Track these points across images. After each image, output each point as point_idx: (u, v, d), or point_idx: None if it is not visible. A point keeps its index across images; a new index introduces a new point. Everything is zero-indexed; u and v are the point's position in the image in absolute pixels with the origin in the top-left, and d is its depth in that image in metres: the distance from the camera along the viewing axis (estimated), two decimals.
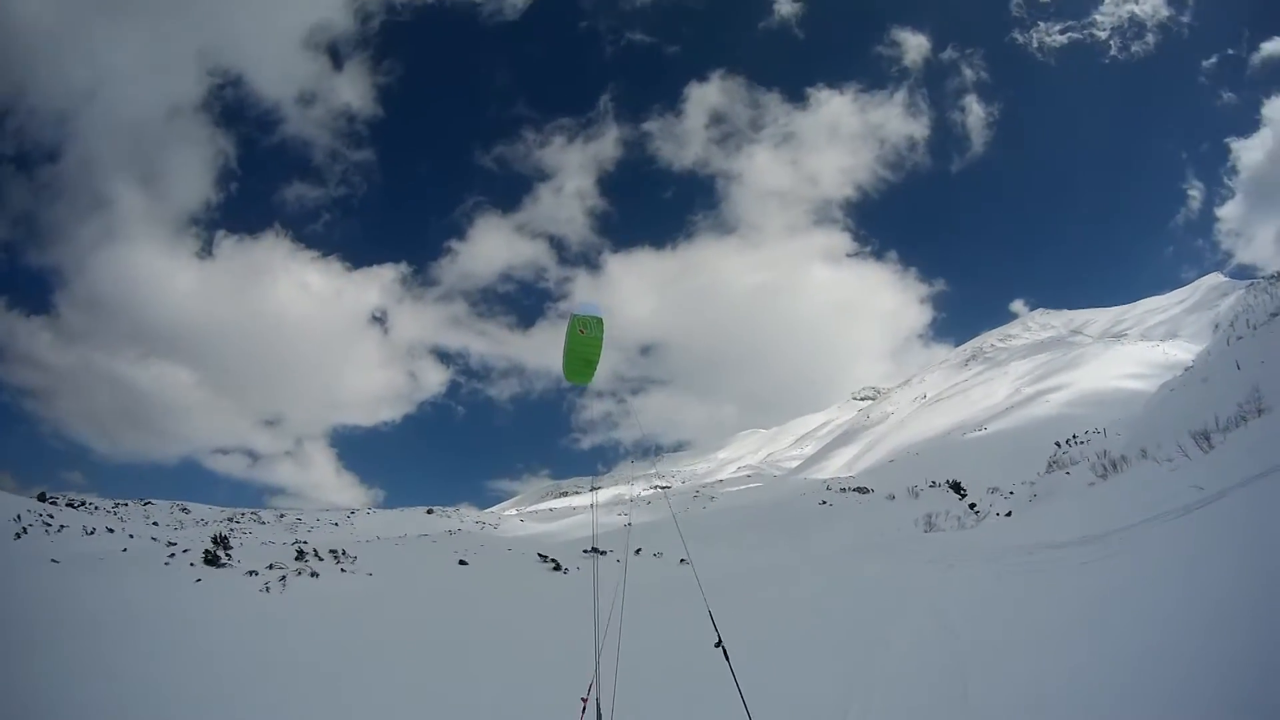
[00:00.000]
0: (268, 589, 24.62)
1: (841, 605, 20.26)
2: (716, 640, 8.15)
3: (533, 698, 13.94)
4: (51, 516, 33.38)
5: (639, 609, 14.49)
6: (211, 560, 28.09)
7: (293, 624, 20.71)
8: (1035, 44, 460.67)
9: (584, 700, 8.00)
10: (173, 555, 28.59)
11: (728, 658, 7.81)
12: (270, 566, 28.72)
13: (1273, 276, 56.04)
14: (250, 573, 27.36)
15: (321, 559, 32.01)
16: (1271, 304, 43.92)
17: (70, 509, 37.33)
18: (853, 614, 18.40)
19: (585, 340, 10.78)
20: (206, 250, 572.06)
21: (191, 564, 27.68)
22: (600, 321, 10.80)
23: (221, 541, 32.02)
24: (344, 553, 34.34)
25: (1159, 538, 14.31)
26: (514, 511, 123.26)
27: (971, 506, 50.95)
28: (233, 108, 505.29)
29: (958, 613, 15.00)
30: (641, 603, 16.72)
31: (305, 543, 39.88)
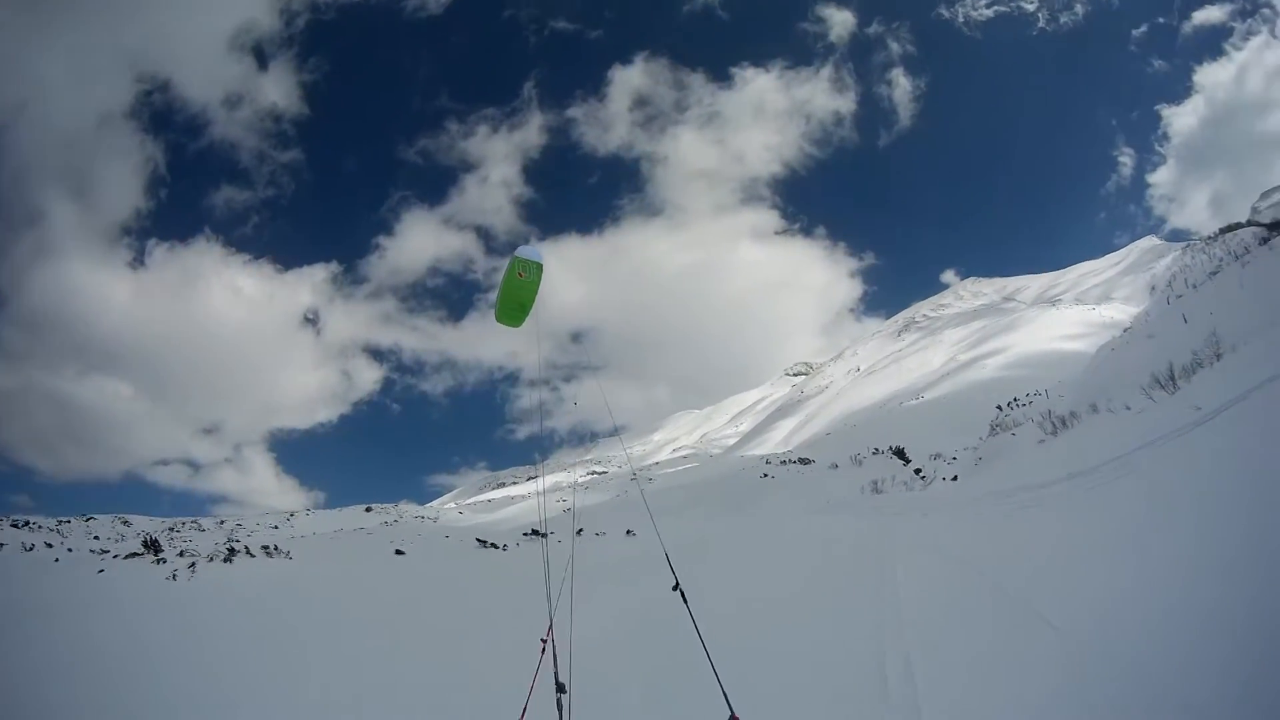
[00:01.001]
0: (174, 576, 23.82)
1: (827, 555, 20.08)
2: (674, 584, 8.11)
3: (470, 671, 13.67)
4: None
5: (590, 583, 14.08)
6: (133, 556, 27.28)
7: (195, 608, 20.02)
8: (961, 18, 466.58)
9: (543, 641, 7.65)
10: (102, 560, 27.56)
11: (685, 601, 7.82)
12: (181, 554, 27.96)
13: (1209, 238, 56.60)
14: (158, 560, 26.55)
15: (253, 555, 31.31)
16: (1210, 264, 44.32)
17: (13, 529, 36.12)
18: (846, 562, 18.23)
19: (522, 284, 10.54)
20: (139, 260, 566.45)
21: (103, 559, 26.87)
22: (540, 267, 10.55)
23: (152, 544, 31.23)
24: (275, 548, 33.51)
25: (1163, 458, 14.38)
26: (453, 505, 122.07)
27: (917, 471, 50.75)
28: (161, 113, 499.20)
29: (967, 550, 14.88)
30: (591, 578, 16.36)
31: (238, 541, 38.99)
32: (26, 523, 39.21)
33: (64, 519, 45.38)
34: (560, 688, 7.05)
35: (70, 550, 29.62)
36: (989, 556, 13.41)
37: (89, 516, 50.09)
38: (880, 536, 21.26)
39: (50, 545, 31.06)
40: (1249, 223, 58.40)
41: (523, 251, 10.67)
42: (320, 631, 17.88)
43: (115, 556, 28.19)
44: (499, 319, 10.83)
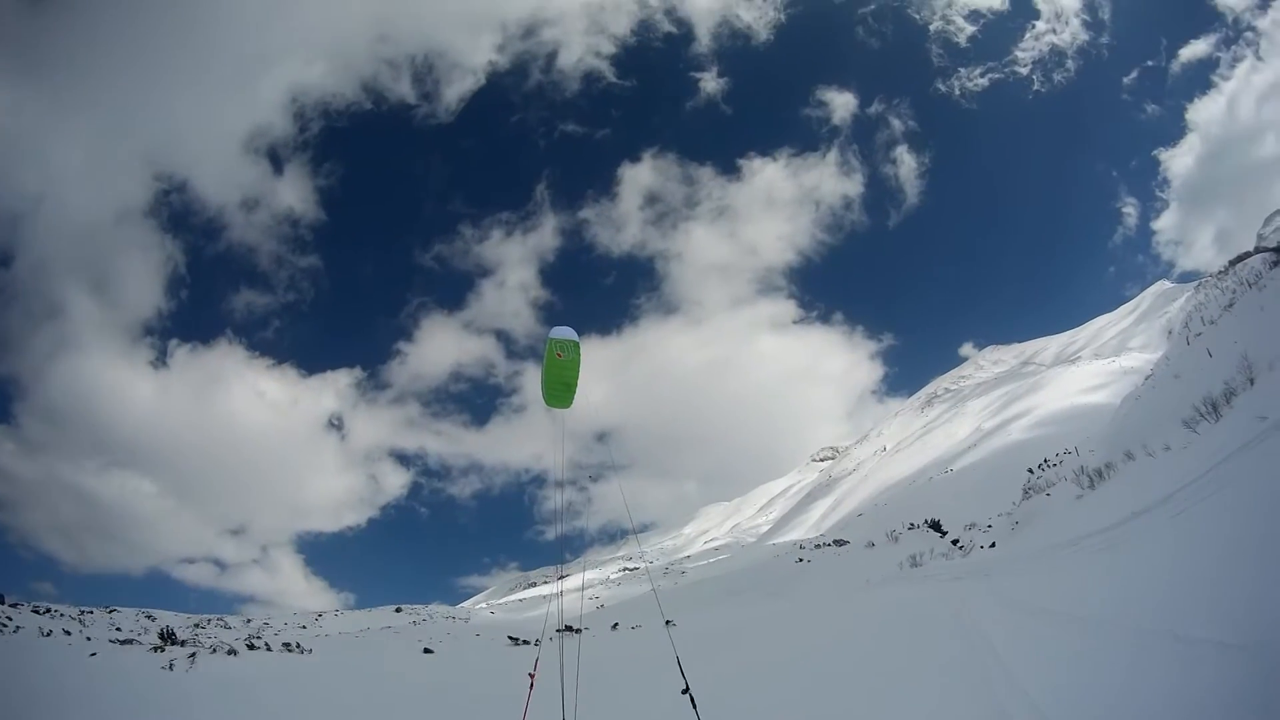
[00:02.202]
0: (171, 666, 23.26)
1: (898, 626, 19.51)
2: (684, 687, 8.08)
3: None
4: (9, 619, 32.02)
5: (622, 675, 13.71)
6: (127, 643, 26.91)
7: (187, 703, 19.57)
8: (958, 90, 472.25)
9: (531, 675, 8.10)
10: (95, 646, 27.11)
11: (694, 705, 7.79)
12: (182, 644, 27.38)
13: (1220, 272, 56.20)
14: (155, 649, 26.01)
15: (270, 649, 30.72)
16: (1224, 297, 43.82)
17: (35, 614, 35.84)
18: (925, 631, 17.73)
19: (563, 364, 10.51)
20: (161, 360, 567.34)
21: (89, 639, 26.48)
22: (576, 345, 10.55)
23: (169, 636, 30.76)
24: (297, 644, 32.89)
25: (1239, 473, 13.88)
26: (484, 605, 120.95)
27: (955, 542, 49.78)
28: (179, 213, 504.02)
29: (1053, 599, 14.50)
30: (626, 670, 15.99)
31: (258, 637, 38.36)
32: (48, 610, 38.88)
33: (87, 609, 45.04)
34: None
35: (89, 639, 29.19)
36: (1081, 600, 12.84)
37: (113, 608, 49.67)
38: (946, 602, 20.76)
39: (69, 633, 30.69)
40: (1256, 250, 57.98)
41: (557, 332, 10.58)
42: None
43: (114, 643, 27.91)
44: (549, 403, 10.73)
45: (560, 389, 10.48)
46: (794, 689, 15.66)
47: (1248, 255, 54.91)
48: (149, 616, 49.09)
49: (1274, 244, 55.69)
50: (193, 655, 25.07)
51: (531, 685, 7.46)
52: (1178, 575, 10.76)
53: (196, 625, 46.88)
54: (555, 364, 10.40)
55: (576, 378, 10.51)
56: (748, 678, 18.11)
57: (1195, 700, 7.04)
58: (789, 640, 23.37)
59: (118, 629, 36.76)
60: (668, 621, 37.47)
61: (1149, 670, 8.19)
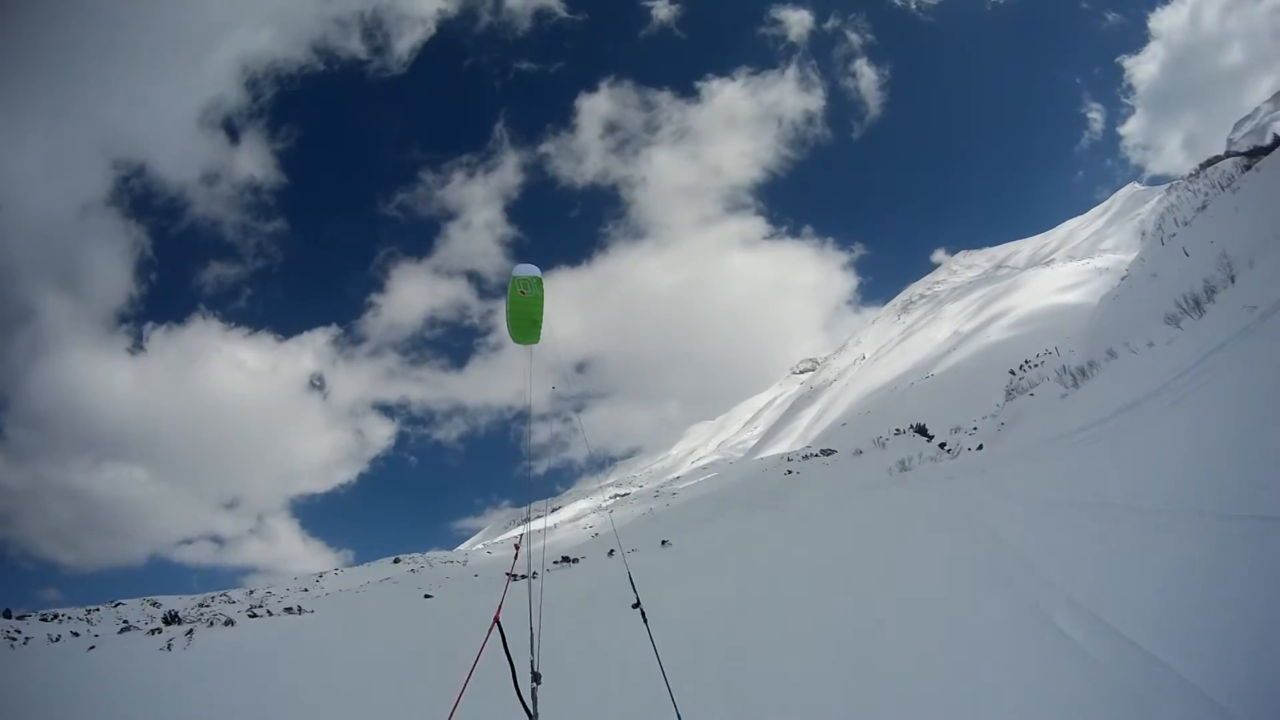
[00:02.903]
0: (169, 646, 23.45)
1: (904, 522, 19.85)
2: (635, 602, 8.44)
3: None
4: (19, 631, 32.17)
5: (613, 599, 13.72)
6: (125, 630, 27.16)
7: (185, 680, 19.63)
8: (913, 4, 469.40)
9: (508, 574, 8.71)
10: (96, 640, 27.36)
11: (645, 619, 8.20)
12: (180, 622, 27.65)
13: (1191, 175, 56.59)
14: (153, 631, 26.26)
15: (273, 615, 30.99)
16: (1196, 199, 44.18)
17: (42, 622, 35.96)
18: (930, 526, 18.42)
19: (527, 300, 10.63)
20: (138, 345, 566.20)
21: (96, 635, 26.75)
22: (539, 280, 10.67)
23: (172, 618, 31.01)
24: (299, 608, 33.24)
25: (1233, 362, 14.30)
26: (481, 545, 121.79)
27: (942, 446, 50.28)
28: (141, 197, 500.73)
29: (1060, 488, 14.81)
30: (616, 594, 16.07)
31: (261, 605, 38.69)
32: (55, 615, 39.06)
33: (93, 607, 45.29)
34: (536, 677, 7.13)
35: (97, 636, 29.38)
36: (1090, 488, 12.99)
37: (118, 602, 49.82)
38: (944, 500, 21.20)
39: (77, 634, 30.93)
40: (1227, 154, 58.53)
41: (519, 270, 10.71)
42: (321, 684, 17.57)
43: (125, 631, 28.17)
44: (515, 339, 10.79)
45: (526, 324, 10.64)
46: (798, 596, 15.81)
47: (1218, 159, 55.27)
48: (154, 604, 49.32)
49: (1245, 148, 56.07)
50: (190, 632, 25.21)
51: (515, 557, 7.65)
52: (1188, 456, 11.01)
53: (200, 604, 47.16)
54: (519, 301, 10.57)
55: (541, 312, 10.65)
56: (750, 589, 18.36)
57: (1234, 573, 7.23)
58: (787, 549, 23.68)
59: (124, 621, 37.03)
60: (664, 542, 38.07)
61: (1178, 547, 8.40)
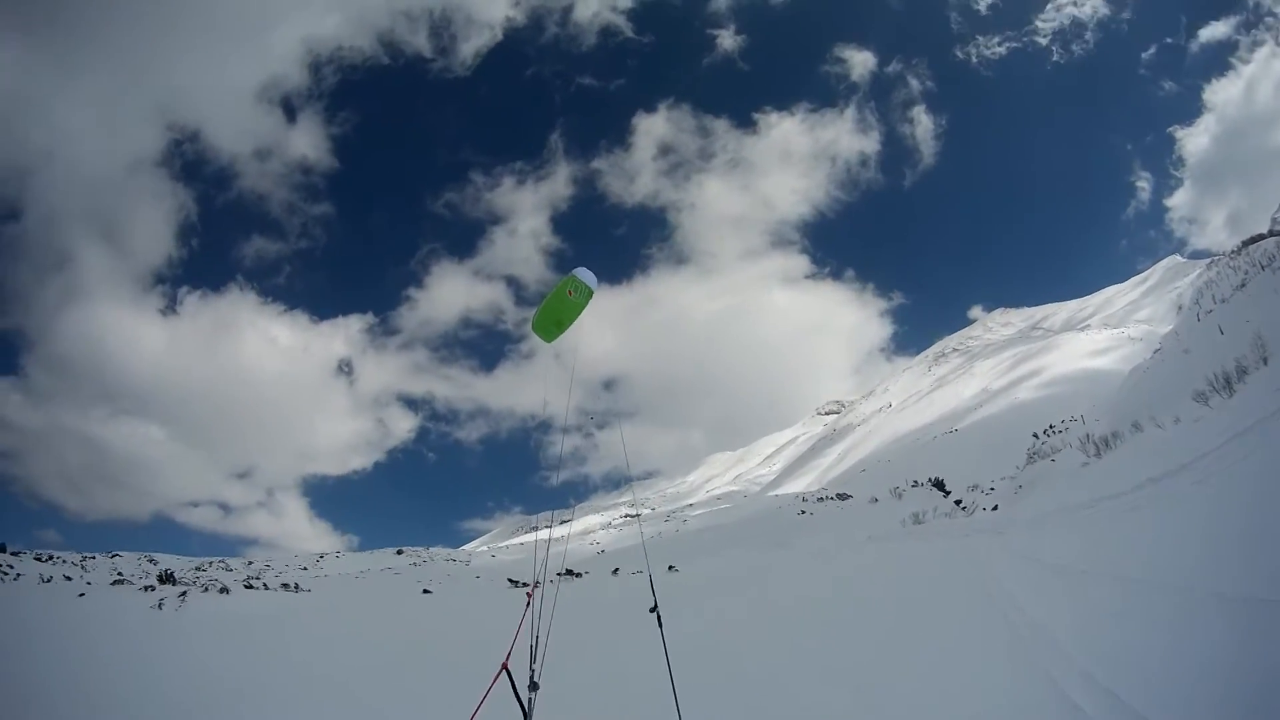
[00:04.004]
0: (160, 605, 23.48)
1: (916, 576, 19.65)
2: (652, 605, 8.31)
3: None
4: (11, 566, 32.32)
5: (617, 617, 13.66)
6: (118, 583, 27.19)
7: (173, 640, 19.89)
8: (975, 57, 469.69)
9: (528, 594, 8.01)
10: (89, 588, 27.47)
11: (660, 624, 8.13)
12: (175, 582, 27.64)
13: (1233, 252, 56.34)
14: (146, 588, 26.28)
15: (269, 588, 31.00)
16: (1236, 277, 44.02)
17: (36, 561, 36.14)
18: (944, 585, 17.87)
19: (568, 303, 10.49)
20: (171, 307, 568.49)
21: (88, 583, 26.80)
22: (590, 293, 10.50)
23: (167, 577, 31.10)
24: (296, 585, 33.29)
25: (1259, 445, 14.04)
26: (485, 548, 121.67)
27: (958, 503, 50.07)
28: (192, 163, 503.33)
29: (1071, 558, 14.80)
30: (622, 613, 16.00)
31: (258, 577, 38.77)
32: (50, 557, 39.22)
33: (89, 555, 45.46)
34: (533, 684, 7.10)
35: (89, 584, 29.49)
36: (1112, 560, 13.03)
37: (115, 553, 50.13)
38: (960, 557, 21.16)
39: (69, 579, 31.05)
40: (1271, 233, 58.12)
41: (580, 273, 10.59)
42: (309, 666, 17.54)
43: (118, 584, 28.19)
44: (535, 329, 10.79)
45: (551, 324, 10.56)
46: (805, 638, 15.76)
47: (1262, 238, 54.99)
48: (151, 560, 49.55)
49: None
50: (183, 594, 25.25)
51: (528, 605, 7.57)
52: (1210, 537, 10.90)
53: (198, 568, 47.35)
54: (561, 299, 10.47)
55: (571, 320, 10.56)
56: (755, 626, 18.35)
57: (1258, 661, 7.08)
58: (794, 587, 23.65)
59: (119, 573, 37.06)
60: (670, 567, 38.00)
61: (1198, 630, 8.27)
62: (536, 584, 7.82)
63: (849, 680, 11.48)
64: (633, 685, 12.42)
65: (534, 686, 7.09)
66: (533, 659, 7.36)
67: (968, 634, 12.70)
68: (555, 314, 10.53)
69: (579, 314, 10.54)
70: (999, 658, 10.74)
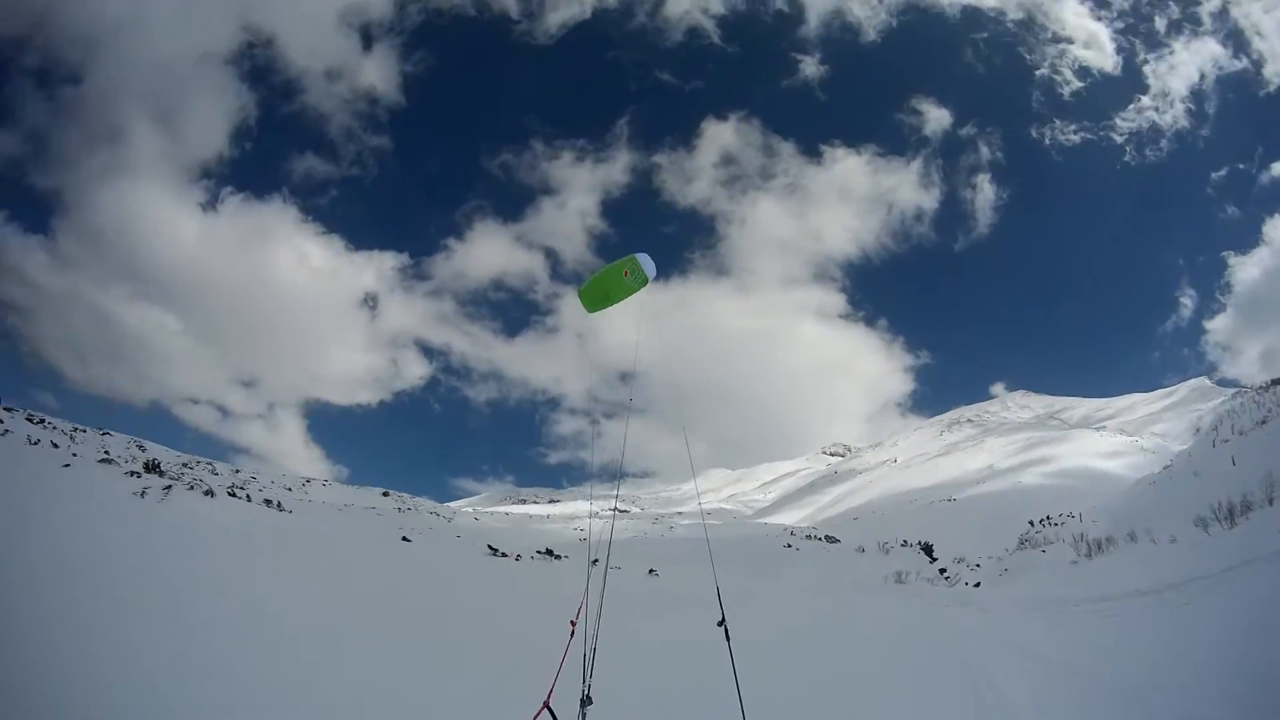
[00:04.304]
0: (143, 494, 23.48)
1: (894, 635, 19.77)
2: (720, 619, 7.85)
3: (417, 665, 13.30)
4: (1, 421, 32.48)
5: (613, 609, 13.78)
6: (104, 462, 27.22)
7: (147, 531, 19.85)
8: (1048, 139, 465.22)
9: (572, 623, 7.72)
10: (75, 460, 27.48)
11: (728, 638, 7.96)
12: (160, 473, 27.50)
13: (1261, 387, 56.57)
14: (132, 474, 26.18)
15: (252, 501, 30.98)
16: (1259, 413, 44.20)
17: (28, 422, 36.33)
18: (919, 652, 18.37)
19: (621, 283, 10.72)
20: (211, 204, 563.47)
21: (75, 455, 27.58)
22: (646, 281, 10.75)
23: (154, 466, 31.22)
24: (279, 504, 33.45)
25: (1253, 580, 14.53)
26: (470, 510, 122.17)
27: (942, 571, 50.47)
28: (261, 68, 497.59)
29: (1061, 653, 14.76)
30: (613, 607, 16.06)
31: (242, 487, 38.82)
32: (42, 420, 39.20)
33: (81, 428, 45.48)
34: (586, 700, 6.91)
35: (75, 455, 29.35)
36: (1095, 662, 13.24)
37: (106, 431, 50.44)
38: (937, 626, 21.58)
39: (56, 445, 31.14)
40: None
41: (641, 258, 10.79)
42: (277, 589, 17.42)
43: (104, 462, 28.31)
44: (581, 295, 11.01)
45: (599, 296, 10.70)
46: (775, 665, 15.86)
47: None
48: (140, 446, 50.03)
49: None
50: (168, 488, 25.07)
51: (572, 633, 7.49)
52: (1194, 661, 11.15)
53: (185, 465, 47.87)
54: (616, 275, 10.60)
55: (618, 300, 10.69)
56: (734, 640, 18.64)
57: None
58: (774, 617, 23.81)
59: (106, 452, 37.24)
60: (651, 570, 38.30)
61: None
62: (574, 624, 7.75)
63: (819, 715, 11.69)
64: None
65: (587, 701, 6.92)
66: (585, 673, 7.17)
67: (939, 698, 12.98)
68: (605, 288, 10.80)
69: (628, 296, 10.79)
70: None
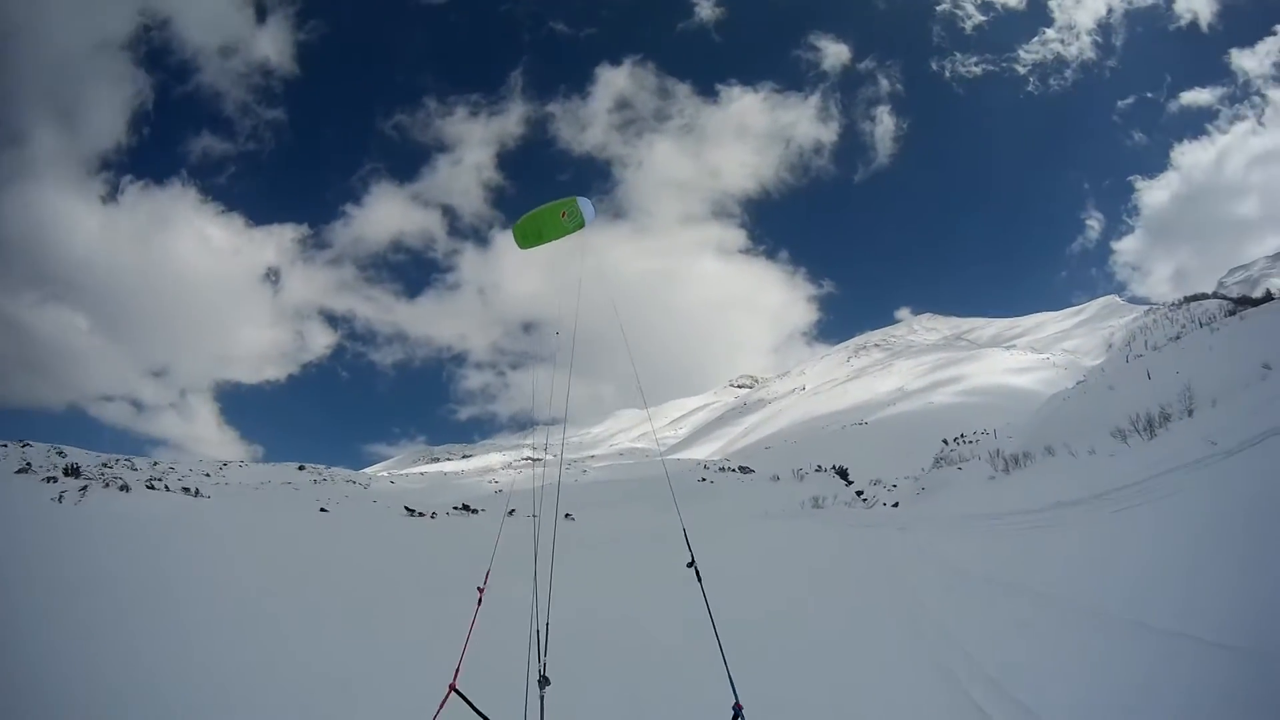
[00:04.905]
0: (61, 499, 23.23)
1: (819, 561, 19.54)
2: (689, 560, 7.01)
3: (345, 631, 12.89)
4: None
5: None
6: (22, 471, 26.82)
7: (69, 533, 19.56)
8: (949, 72, 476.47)
9: (480, 590, 7.08)
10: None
11: (700, 578, 6.74)
12: (79, 476, 27.30)
13: (1174, 304, 58.00)
14: (49, 479, 25.83)
15: (170, 491, 30.60)
16: (1172, 329, 45.21)
17: None
18: (849, 575, 17.95)
19: (557, 223, 10.19)
20: (112, 195, 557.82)
21: None
22: (581, 224, 10.28)
23: (73, 470, 30.69)
24: (197, 490, 32.86)
25: (1178, 485, 14.32)
26: (385, 474, 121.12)
27: (859, 493, 50.61)
28: (157, 50, 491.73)
29: (990, 567, 14.34)
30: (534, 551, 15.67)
31: (161, 479, 38.25)
32: None
33: (2, 442, 44.82)
34: (543, 680, 6.14)
35: None
36: (1024, 573, 12.77)
37: (26, 442, 49.49)
38: (861, 547, 21.35)
39: None
40: (1215, 295, 60.16)
41: (583, 202, 10.32)
42: (199, 573, 17.12)
43: (22, 472, 27.73)
44: (514, 230, 10.45)
45: (533, 232, 10.29)
46: (695, 600, 15.43)
47: (1204, 297, 57.00)
48: (60, 452, 48.85)
49: (1235, 294, 57.88)
50: (84, 488, 25.04)
51: (479, 603, 6.74)
52: (1130, 566, 10.86)
53: (104, 464, 47.03)
54: (553, 214, 10.22)
55: (551, 239, 10.30)
56: (647, 580, 18.22)
57: (1166, 689, 6.99)
58: (699, 550, 23.43)
59: (26, 462, 36.67)
60: (567, 515, 37.72)
61: (1110, 653, 8.18)
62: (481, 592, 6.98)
63: (752, 653, 11.14)
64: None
65: (544, 682, 6.15)
66: (539, 650, 6.42)
67: (869, 623, 12.50)
68: (539, 225, 10.27)
69: (561, 237, 10.29)
70: (902, 650, 10.51)
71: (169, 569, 17.34)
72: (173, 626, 12.21)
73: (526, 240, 10.30)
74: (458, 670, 5.82)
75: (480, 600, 6.77)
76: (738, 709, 4.87)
